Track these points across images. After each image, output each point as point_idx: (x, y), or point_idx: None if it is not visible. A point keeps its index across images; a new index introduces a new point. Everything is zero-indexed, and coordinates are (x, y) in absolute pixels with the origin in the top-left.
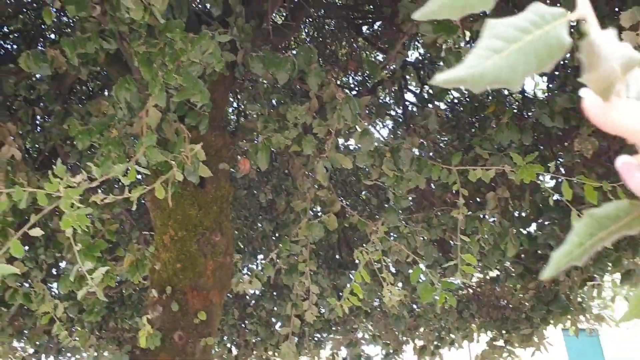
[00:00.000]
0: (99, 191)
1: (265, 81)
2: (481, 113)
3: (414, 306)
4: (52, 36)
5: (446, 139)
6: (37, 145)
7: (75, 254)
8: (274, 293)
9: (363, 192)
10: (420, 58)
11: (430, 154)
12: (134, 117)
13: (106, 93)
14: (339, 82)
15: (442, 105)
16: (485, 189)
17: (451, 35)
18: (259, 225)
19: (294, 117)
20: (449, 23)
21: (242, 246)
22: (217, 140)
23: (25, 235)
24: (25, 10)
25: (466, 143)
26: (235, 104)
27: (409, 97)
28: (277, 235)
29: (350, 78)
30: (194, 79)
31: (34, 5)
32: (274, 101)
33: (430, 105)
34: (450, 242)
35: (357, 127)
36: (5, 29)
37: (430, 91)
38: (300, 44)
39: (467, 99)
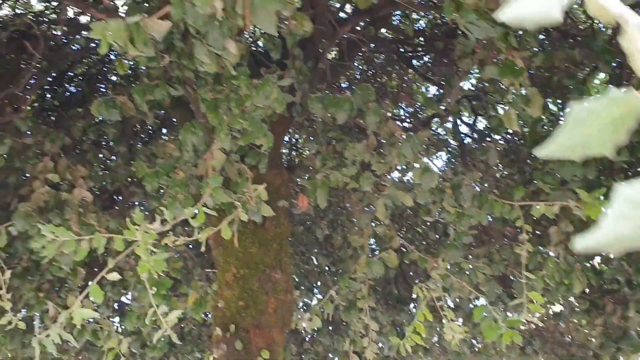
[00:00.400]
0: (170, 233)
1: (322, 119)
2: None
3: (475, 342)
4: (114, 78)
5: (506, 172)
6: (104, 184)
7: (149, 296)
8: (331, 328)
9: (421, 226)
10: (472, 88)
11: (489, 188)
12: (199, 159)
13: (164, 130)
14: (389, 114)
15: (497, 136)
16: (546, 222)
17: (518, 77)
18: (315, 260)
19: (352, 155)
20: (514, 65)
21: (298, 281)
22: (276, 178)
23: (91, 271)
24: (90, 54)
25: (526, 177)
26: (290, 138)
27: (463, 127)
28: (333, 270)
29: (402, 110)
30: (258, 123)
31: (97, 49)
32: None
33: (488, 139)
34: (513, 277)
35: (417, 164)
36: (71, 73)
37: (486, 123)
38: (352, 78)
39: (526, 131)
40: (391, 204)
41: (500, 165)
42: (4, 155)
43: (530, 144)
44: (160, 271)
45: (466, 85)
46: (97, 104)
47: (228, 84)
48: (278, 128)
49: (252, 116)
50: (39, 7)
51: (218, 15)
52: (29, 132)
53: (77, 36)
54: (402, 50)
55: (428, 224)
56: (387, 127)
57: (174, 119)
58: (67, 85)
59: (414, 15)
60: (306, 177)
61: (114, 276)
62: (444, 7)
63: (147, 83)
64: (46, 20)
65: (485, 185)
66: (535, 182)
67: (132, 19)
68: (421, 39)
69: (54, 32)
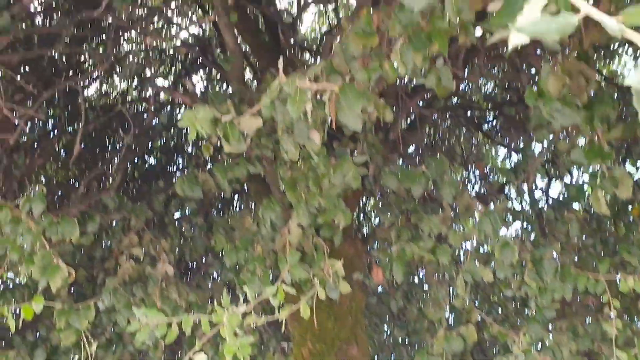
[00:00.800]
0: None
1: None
2: (624, 215)
3: None
4: (190, 149)
5: (587, 242)
6: (182, 258)
7: None
8: None
9: (499, 295)
10: (543, 151)
11: (570, 259)
12: (276, 233)
13: (236, 198)
14: (458, 177)
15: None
16: (635, 294)
17: (606, 161)
18: (389, 332)
19: (428, 227)
20: (602, 149)
21: (371, 353)
22: (350, 250)
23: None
24: (167, 128)
25: (610, 247)
26: (362, 205)
27: (537, 191)
28: (408, 342)
29: (471, 173)
30: (336, 200)
31: (175, 122)
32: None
33: (566, 207)
34: (600, 353)
35: (496, 239)
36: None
37: (563, 190)
38: (421, 142)
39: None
40: (470, 279)
41: (581, 235)
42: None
43: (614, 215)
44: (247, 355)
45: (537, 148)
46: (180, 182)
47: (306, 162)
48: (351, 199)
49: (329, 193)
50: (123, 85)
51: (308, 115)
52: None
53: (152, 108)
54: (470, 113)
55: (508, 296)
56: (464, 199)
57: (248, 188)
58: (146, 157)
59: (482, 79)
60: (379, 244)
61: (202, 357)
62: (525, 95)
63: (228, 162)
64: (130, 98)
65: (567, 257)
66: (621, 254)
67: (226, 117)
68: (490, 104)
69: (137, 108)
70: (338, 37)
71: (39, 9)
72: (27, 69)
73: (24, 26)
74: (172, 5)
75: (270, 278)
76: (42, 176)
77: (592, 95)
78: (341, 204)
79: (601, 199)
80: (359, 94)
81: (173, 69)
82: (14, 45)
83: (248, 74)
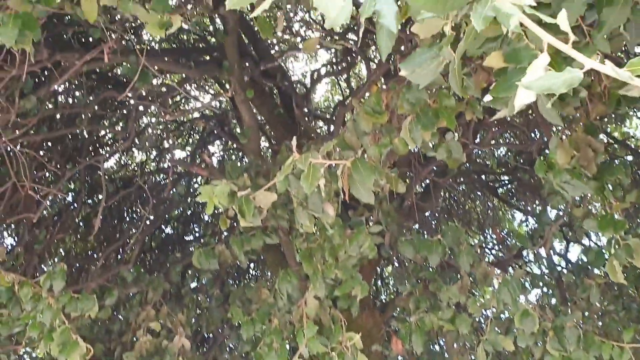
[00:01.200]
0: None
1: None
2: None
3: None
4: (206, 218)
5: (609, 308)
6: (199, 329)
7: None
8: None
9: None
10: (561, 214)
11: (592, 326)
12: (292, 306)
13: (252, 266)
14: (475, 241)
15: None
16: None
17: (619, 231)
18: None
19: (447, 297)
20: (614, 218)
21: None
22: (367, 320)
23: None
24: (184, 198)
25: (633, 313)
26: (379, 273)
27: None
28: None
29: (488, 236)
30: (352, 272)
31: (193, 192)
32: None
33: (586, 271)
34: None
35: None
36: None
37: (582, 255)
38: (436, 208)
39: (628, 265)
40: (491, 348)
41: (603, 301)
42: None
43: (635, 280)
44: None
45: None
46: (197, 254)
47: (321, 233)
48: (367, 269)
49: (345, 265)
50: (140, 157)
51: (322, 189)
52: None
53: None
54: (484, 177)
55: None
56: (481, 268)
57: (264, 258)
58: (163, 226)
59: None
60: (398, 314)
61: None
62: (535, 166)
63: (245, 234)
64: (149, 169)
65: (589, 324)
66: None
67: (242, 192)
68: (503, 169)
69: (155, 178)
70: (350, 111)
71: (61, 89)
72: (49, 143)
73: (48, 106)
74: (191, 80)
75: (288, 351)
76: (60, 249)
77: (602, 164)
78: (358, 276)
79: (617, 268)
80: (370, 168)
81: (190, 140)
82: (38, 123)
83: (263, 141)
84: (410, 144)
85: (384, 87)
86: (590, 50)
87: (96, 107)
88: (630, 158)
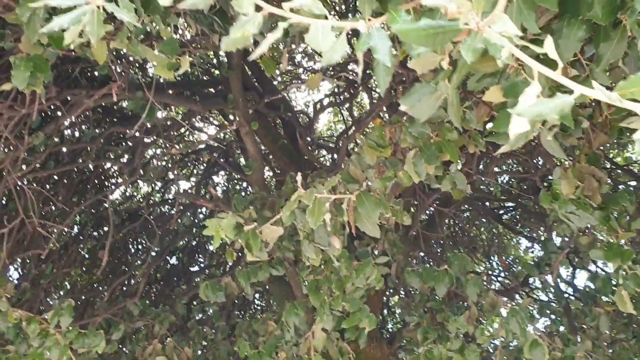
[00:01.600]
0: None
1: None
2: None
3: None
4: (211, 248)
5: (619, 336)
6: None
7: None
8: None
9: None
10: (566, 240)
11: (602, 354)
12: (300, 338)
13: (256, 295)
14: (482, 268)
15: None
16: None
17: (626, 260)
18: None
19: (455, 327)
20: (620, 248)
21: None
22: (375, 352)
23: None
24: (189, 229)
25: None
26: (385, 302)
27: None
28: None
29: (494, 263)
30: (360, 304)
31: (198, 222)
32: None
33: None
34: None
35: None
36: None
37: (589, 282)
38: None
39: (636, 294)
40: None
41: (612, 329)
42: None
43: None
44: None
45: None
46: (204, 287)
47: (328, 265)
48: (374, 299)
49: (353, 297)
50: (146, 188)
51: (327, 223)
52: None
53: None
54: (488, 205)
55: None
56: (489, 297)
57: (270, 290)
58: (168, 257)
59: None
60: (405, 345)
61: None
62: (540, 197)
63: (251, 266)
64: (154, 200)
65: (599, 354)
66: None
67: (249, 227)
68: (507, 196)
69: (161, 209)
70: (353, 141)
71: (67, 122)
72: (54, 176)
73: (55, 140)
74: (196, 114)
75: None
76: (66, 282)
77: (607, 193)
78: (366, 308)
79: (626, 298)
80: (375, 202)
81: (195, 170)
82: (44, 158)
83: (267, 171)
84: (414, 178)
85: (387, 117)
86: (590, 82)
87: (102, 141)
88: (633, 183)
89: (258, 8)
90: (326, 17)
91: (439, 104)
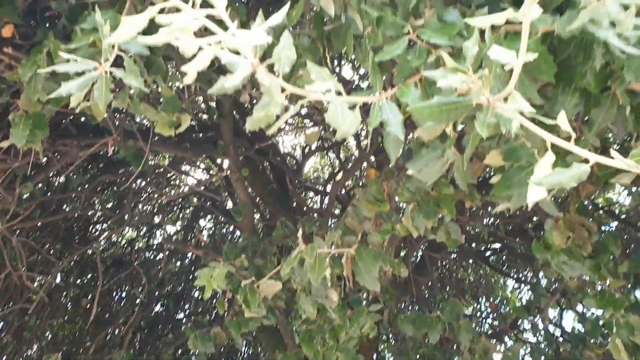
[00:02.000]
0: None
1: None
2: None
3: None
4: (197, 295)
5: None
6: None
7: None
8: None
9: None
10: (552, 280)
11: None
12: None
13: (244, 343)
14: (470, 310)
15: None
16: None
17: (619, 309)
18: None
19: None
20: (612, 297)
21: None
22: None
23: None
24: (176, 276)
25: None
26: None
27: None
28: None
29: (482, 304)
30: (354, 353)
31: (184, 268)
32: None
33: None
34: None
35: None
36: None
37: (580, 324)
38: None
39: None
40: None
41: None
42: None
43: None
44: None
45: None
46: (193, 338)
47: (322, 315)
48: (367, 347)
49: (347, 346)
50: (131, 234)
51: (327, 278)
52: None
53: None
54: (474, 246)
55: None
56: (481, 343)
57: (259, 338)
58: (154, 304)
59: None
60: None
61: None
62: (532, 248)
63: (242, 318)
64: (139, 246)
65: None
66: None
67: (246, 281)
68: (493, 238)
69: (146, 255)
70: (342, 187)
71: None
72: (38, 224)
73: (43, 188)
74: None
75: None
76: (48, 332)
77: (596, 242)
78: (360, 359)
79: (620, 346)
80: (375, 256)
81: (181, 214)
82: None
83: (255, 214)
84: (412, 232)
85: (377, 166)
86: (584, 144)
87: (88, 188)
88: (615, 223)
89: (282, 89)
90: (341, 93)
91: (446, 168)
